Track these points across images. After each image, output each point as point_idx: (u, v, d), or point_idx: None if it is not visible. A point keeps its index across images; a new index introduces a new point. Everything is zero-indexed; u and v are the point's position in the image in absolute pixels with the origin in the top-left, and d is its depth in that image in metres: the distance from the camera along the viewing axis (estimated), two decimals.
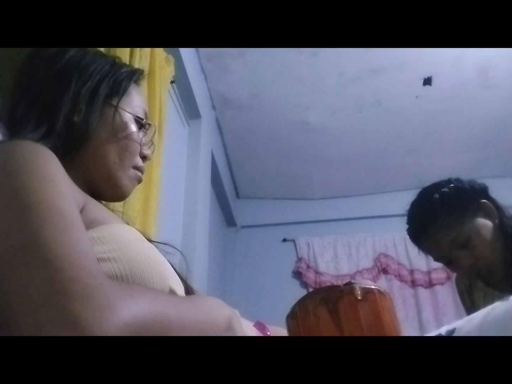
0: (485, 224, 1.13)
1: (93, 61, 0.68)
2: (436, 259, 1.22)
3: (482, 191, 1.18)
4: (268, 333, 0.72)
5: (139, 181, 0.71)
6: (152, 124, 0.73)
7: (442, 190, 1.17)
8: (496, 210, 1.15)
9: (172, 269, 0.61)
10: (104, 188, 0.67)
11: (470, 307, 1.28)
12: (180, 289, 0.59)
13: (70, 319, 0.37)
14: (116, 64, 0.71)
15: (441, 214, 1.14)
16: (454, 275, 1.39)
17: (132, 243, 0.55)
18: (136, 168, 0.69)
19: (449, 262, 1.20)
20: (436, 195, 1.17)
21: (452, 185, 1.18)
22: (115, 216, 0.66)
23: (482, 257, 1.12)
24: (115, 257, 0.51)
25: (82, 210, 0.54)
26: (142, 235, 0.61)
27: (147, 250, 0.57)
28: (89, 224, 0.53)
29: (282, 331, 0.65)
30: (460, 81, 2.34)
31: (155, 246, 0.62)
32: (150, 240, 0.64)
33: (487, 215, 1.14)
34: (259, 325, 0.72)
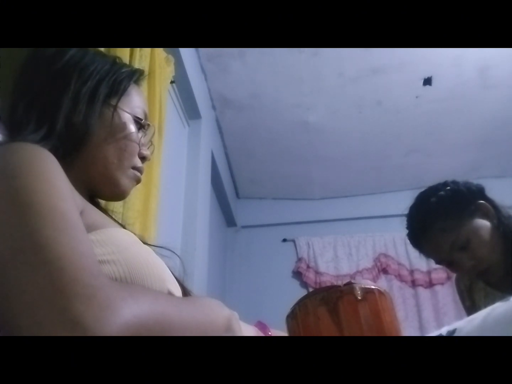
0: (483, 224, 1.14)
1: (93, 61, 0.67)
2: (437, 262, 1.23)
3: (478, 192, 1.18)
4: (270, 333, 0.72)
5: (138, 181, 0.71)
6: (151, 124, 0.73)
7: (439, 193, 1.17)
8: (493, 211, 1.15)
9: (170, 272, 0.61)
10: (103, 188, 0.67)
11: (471, 307, 1.29)
12: (178, 292, 0.59)
13: (71, 319, 0.37)
14: (116, 64, 0.71)
15: (439, 218, 1.14)
16: (454, 275, 1.39)
17: (131, 246, 0.55)
18: (135, 168, 0.69)
19: (450, 264, 1.20)
20: (433, 199, 1.17)
21: (448, 187, 1.18)
22: (112, 221, 0.66)
23: (482, 258, 1.12)
24: (114, 260, 0.51)
25: (80, 215, 0.54)
26: (139, 239, 0.61)
27: (145, 253, 0.57)
28: (87, 228, 0.53)
29: (284, 335, 0.65)
30: (460, 81, 2.34)
31: (152, 249, 0.62)
32: (147, 244, 0.64)
33: (485, 216, 1.15)
34: (260, 325, 0.72)
